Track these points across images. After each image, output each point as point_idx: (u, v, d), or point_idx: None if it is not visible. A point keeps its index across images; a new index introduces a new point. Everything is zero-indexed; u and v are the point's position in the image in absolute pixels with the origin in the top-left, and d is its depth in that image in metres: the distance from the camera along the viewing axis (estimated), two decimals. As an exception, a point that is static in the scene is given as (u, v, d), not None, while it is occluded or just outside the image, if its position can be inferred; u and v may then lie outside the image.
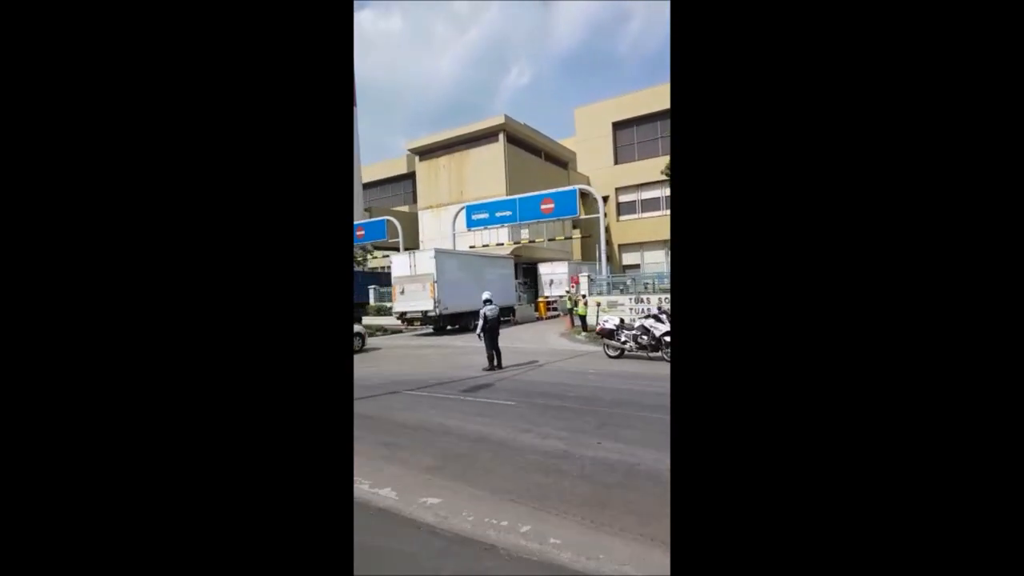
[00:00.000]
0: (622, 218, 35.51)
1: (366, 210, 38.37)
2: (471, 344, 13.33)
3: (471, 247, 21.90)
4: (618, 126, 37.27)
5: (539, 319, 19.73)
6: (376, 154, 38.63)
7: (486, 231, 21.90)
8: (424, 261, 15.49)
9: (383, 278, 24.59)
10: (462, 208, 22.28)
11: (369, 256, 32.89)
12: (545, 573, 2.54)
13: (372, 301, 21.26)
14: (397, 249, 35.41)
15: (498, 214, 20.34)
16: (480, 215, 21.01)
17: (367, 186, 40.88)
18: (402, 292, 15.94)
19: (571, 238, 32.46)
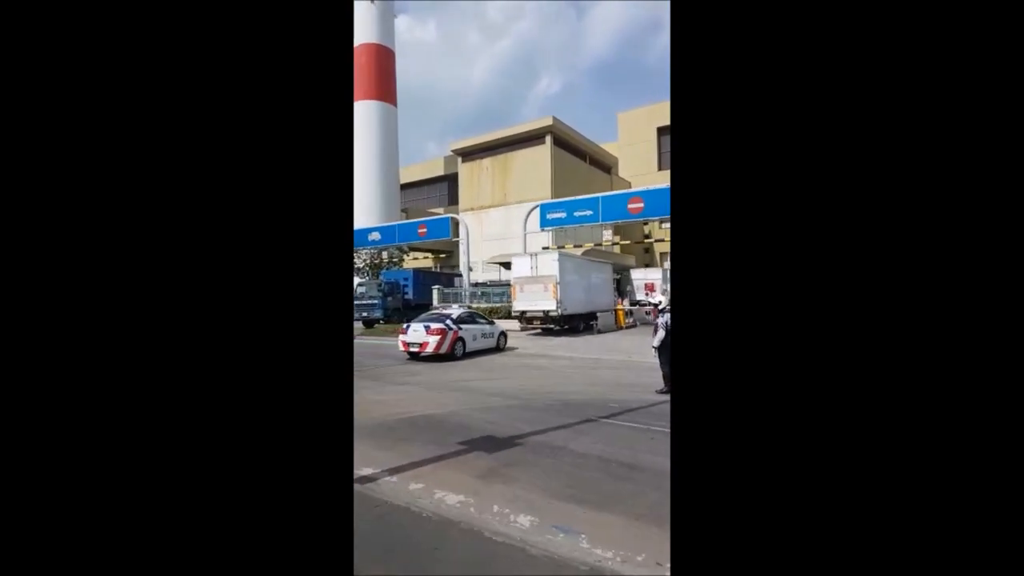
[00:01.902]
0: (664, 226, 33.81)
1: (403, 211, 36.85)
2: (587, 355, 11.75)
3: (547, 246, 20.49)
4: (663, 132, 35.76)
5: (618, 328, 18.00)
6: (408, 157, 37.32)
7: (526, 236, 20.24)
8: (547, 263, 15.58)
9: (443, 278, 22.97)
10: (536, 206, 20.60)
11: (405, 256, 31.26)
12: None
13: (436, 301, 19.57)
14: (431, 251, 34.24)
15: (577, 213, 18.59)
16: (556, 214, 19.29)
17: (402, 187, 39.18)
18: (521, 291, 15.97)
19: (600, 244, 30.72)
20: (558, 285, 15.07)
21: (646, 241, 32.30)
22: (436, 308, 13.79)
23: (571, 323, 15.92)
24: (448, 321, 10.88)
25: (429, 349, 10.43)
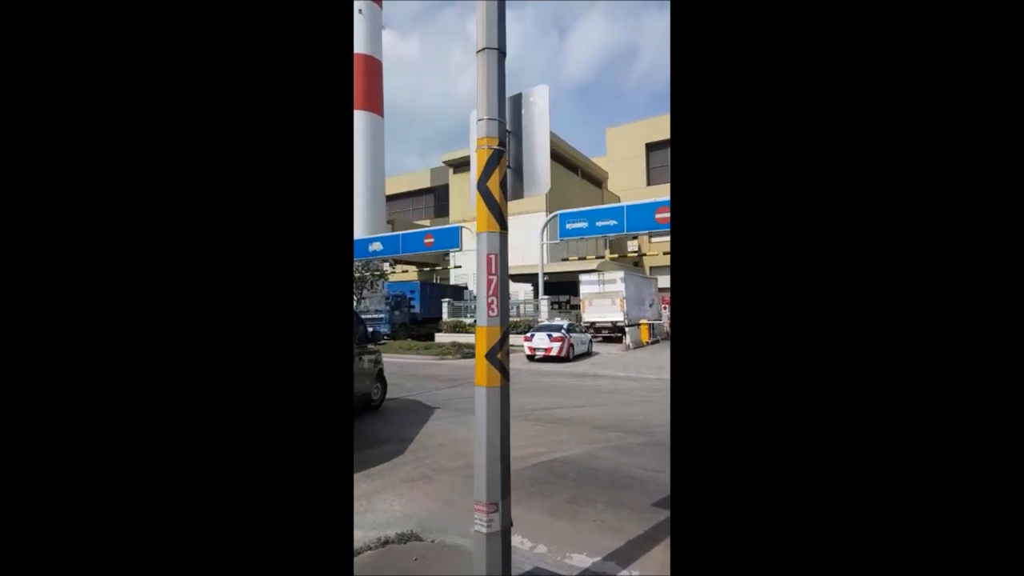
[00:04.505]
0: (654, 240, 33.39)
1: (388, 222, 35.13)
2: (646, 375, 10.76)
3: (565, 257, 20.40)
4: (651, 147, 35.47)
5: (643, 344, 17.67)
6: (388, 170, 34.97)
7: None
8: (613, 281, 18.12)
9: (450, 291, 21.50)
10: (554, 216, 19.46)
11: (384, 269, 29.54)
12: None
13: (446, 316, 18.04)
14: (416, 264, 32.55)
15: (599, 223, 17.54)
16: (576, 223, 18.19)
17: (386, 199, 37.44)
18: (590, 304, 18.47)
19: (625, 256, 30.16)
20: (624, 300, 17.46)
21: (634, 254, 31.70)
22: (545, 321, 16.06)
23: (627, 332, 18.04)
24: (563, 331, 13.36)
25: (553, 352, 12.92)
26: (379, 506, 3.52)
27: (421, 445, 5.11)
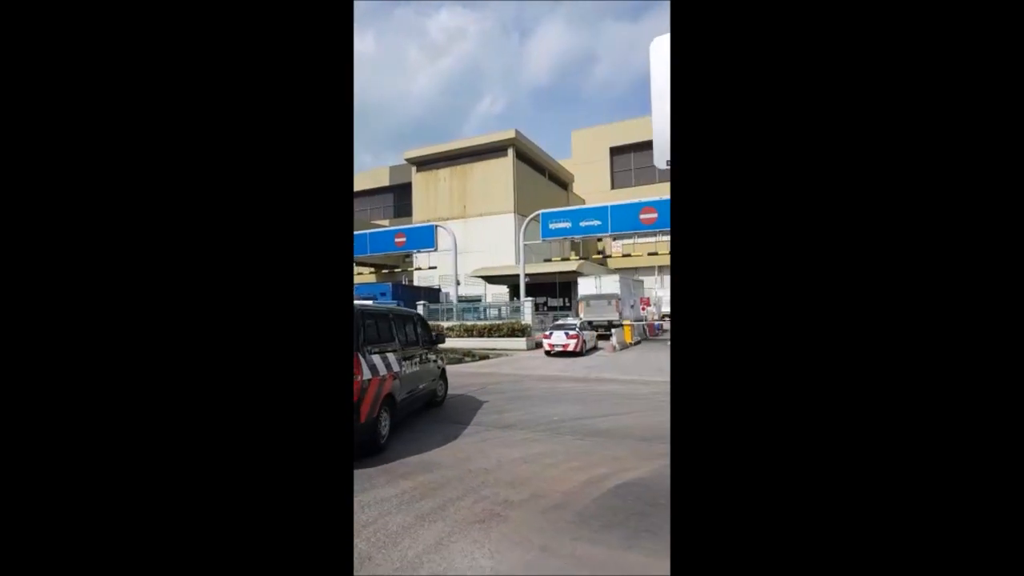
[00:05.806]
0: (618, 242, 33.52)
1: (346, 222, 33.32)
2: (654, 378, 10.26)
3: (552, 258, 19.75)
4: (615, 151, 35.70)
5: (629, 344, 17.54)
6: None
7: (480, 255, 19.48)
8: (609, 283, 19.58)
9: (423, 292, 20.37)
10: (536, 216, 18.79)
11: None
12: None
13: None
14: (375, 266, 31.04)
15: (583, 223, 17.10)
16: (559, 223, 17.64)
17: (345, 197, 35.62)
18: (587, 305, 19.65)
19: (568, 258, 29.91)
20: (620, 301, 18.65)
21: (599, 256, 31.72)
22: (559, 320, 17.06)
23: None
24: (577, 329, 15.02)
25: (570, 348, 14.50)
26: (459, 561, 2.69)
27: (464, 470, 4.27)
